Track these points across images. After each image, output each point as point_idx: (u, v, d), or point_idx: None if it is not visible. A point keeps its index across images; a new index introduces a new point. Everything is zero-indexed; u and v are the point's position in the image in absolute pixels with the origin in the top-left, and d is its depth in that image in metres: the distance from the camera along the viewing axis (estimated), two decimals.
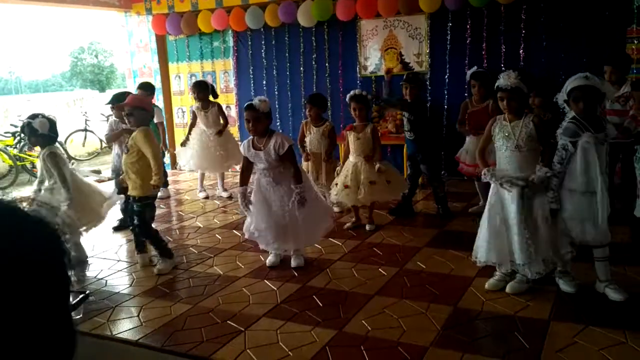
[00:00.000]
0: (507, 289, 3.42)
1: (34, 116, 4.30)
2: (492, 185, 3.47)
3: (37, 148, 4.60)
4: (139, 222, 4.21)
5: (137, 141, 4.09)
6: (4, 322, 0.56)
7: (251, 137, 4.04)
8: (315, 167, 5.28)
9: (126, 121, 4.29)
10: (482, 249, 3.46)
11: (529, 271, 3.29)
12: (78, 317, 2.27)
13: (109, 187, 4.65)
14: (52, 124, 4.36)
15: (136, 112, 4.13)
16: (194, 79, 8.27)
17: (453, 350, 2.79)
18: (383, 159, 5.04)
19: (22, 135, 4.69)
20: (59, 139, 9.12)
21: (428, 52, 6.79)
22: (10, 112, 11.55)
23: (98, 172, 8.21)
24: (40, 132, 4.26)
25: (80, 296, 2.32)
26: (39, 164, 4.44)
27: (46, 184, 4.35)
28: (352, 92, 4.90)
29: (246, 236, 4.31)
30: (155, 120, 5.70)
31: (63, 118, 12.64)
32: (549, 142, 3.34)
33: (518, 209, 3.25)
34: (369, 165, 4.83)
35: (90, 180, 4.54)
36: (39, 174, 4.47)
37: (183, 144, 6.48)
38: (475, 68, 5.20)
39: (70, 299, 0.67)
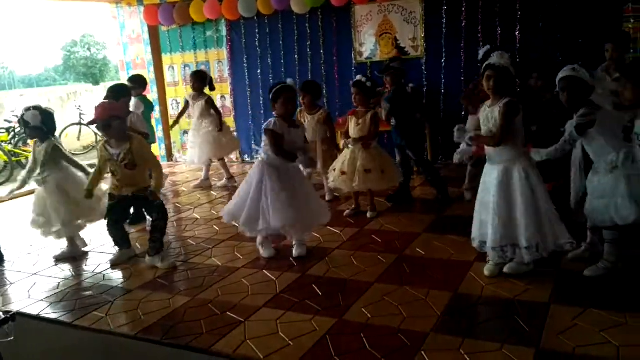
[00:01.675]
0: (506, 269, 3.41)
1: (27, 109, 4.29)
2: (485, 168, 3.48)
3: (32, 142, 4.58)
4: (163, 215, 4.17)
5: (138, 154, 4.01)
6: None
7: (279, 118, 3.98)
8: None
9: (105, 135, 4.09)
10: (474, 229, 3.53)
11: (527, 255, 3.28)
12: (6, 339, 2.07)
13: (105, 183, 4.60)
14: (45, 116, 4.33)
15: (114, 122, 3.96)
16: (188, 70, 8.23)
17: (453, 335, 2.78)
18: (378, 145, 4.99)
19: (18, 129, 4.69)
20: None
21: (423, 36, 6.73)
22: (4, 108, 11.44)
23: (93, 166, 8.16)
24: (32, 125, 4.24)
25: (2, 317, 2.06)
26: (34, 154, 4.41)
27: (36, 173, 4.34)
28: (356, 78, 4.91)
29: (265, 232, 4.06)
30: (137, 111, 5.62)
31: (57, 112, 12.57)
32: (503, 128, 3.26)
33: (497, 190, 3.30)
34: (366, 153, 4.80)
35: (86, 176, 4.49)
36: (30, 163, 4.45)
37: (172, 127, 6.89)
38: (488, 47, 5.07)
39: None
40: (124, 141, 4.01)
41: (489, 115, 3.35)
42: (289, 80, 4.05)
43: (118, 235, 4.30)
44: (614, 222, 3.16)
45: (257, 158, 4.19)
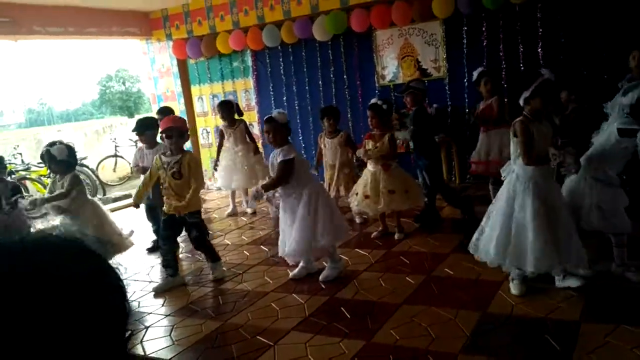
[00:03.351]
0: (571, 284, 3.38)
1: (52, 144, 4.48)
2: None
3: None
4: (199, 232, 4.40)
5: (186, 165, 4.21)
6: (66, 352, 0.59)
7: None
8: (332, 178, 5.33)
9: (166, 142, 4.29)
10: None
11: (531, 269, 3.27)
12: None
13: (126, 228, 4.75)
14: (70, 150, 4.54)
15: (183, 134, 4.27)
16: (216, 100, 8.46)
17: (483, 355, 2.77)
18: (397, 165, 5.04)
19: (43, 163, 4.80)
20: (91, 167, 9.43)
21: (445, 57, 6.78)
22: (43, 143, 11.91)
23: (129, 196, 8.41)
24: (59, 159, 4.43)
25: None
26: (52, 185, 4.57)
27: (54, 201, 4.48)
28: (371, 101, 5.00)
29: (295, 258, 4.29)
30: None
31: (94, 145, 13.01)
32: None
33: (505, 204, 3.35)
34: (388, 174, 4.84)
35: (111, 215, 4.69)
36: (48, 190, 4.61)
37: (215, 167, 6.64)
38: (480, 69, 5.23)
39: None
40: (178, 154, 4.26)
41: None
42: (274, 112, 4.13)
43: (169, 255, 4.45)
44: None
45: None
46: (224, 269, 4.58)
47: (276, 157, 4.00)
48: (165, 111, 6.34)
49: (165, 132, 4.21)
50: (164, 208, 4.35)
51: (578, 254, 3.26)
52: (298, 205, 4.02)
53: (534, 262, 3.19)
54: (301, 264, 4.30)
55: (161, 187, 4.34)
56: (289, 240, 4.07)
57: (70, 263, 0.64)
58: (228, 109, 6.50)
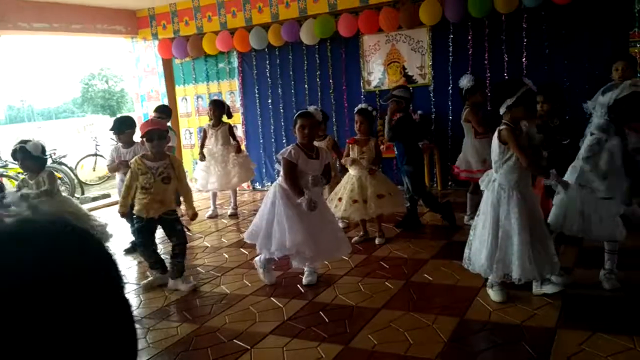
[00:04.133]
0: (547, 291, 3.39)
1: (25, 141, 4.42)
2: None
3: None
4: (183, 239, 4.33)
5: (176, 169, 4.17)
6: (71, 347, 0.52)
7: (296, 145, 4.00)
8: None
9: (147, 146, 4.19)
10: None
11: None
12: None
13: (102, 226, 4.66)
14: (43, 146, 4.49)
15: (155, 135, 4.17)
16: (200, 101, 8.41)
17: None
18: (382, 172, 5.07)
19: (15, 160, 4.64)
20: (70, 165, 9.31)
21: (431, 64, 6.82)
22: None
23: (107, 195, 8.30)
24: (35, 155, 4.36)
25: None
26: (22, 182, 4.50)
27: (25, 190, 4.40)
28: (358, 106, 4.98)
29: (277, 255, 4.06)
30: (170, 144, 5.71)
31: (73, 144, 12.84)
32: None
33: (491, 212, 3.34)
34: (375, 179, 4.84)
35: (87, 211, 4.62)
36: (17, 187, 4.53)
37: (201, 159, 6.56)
38: (469, 76, 5.23)
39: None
40: (163, 157, 4.19)
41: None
42: (310, 108, 4.13)
43: (153, 257, 4.38)
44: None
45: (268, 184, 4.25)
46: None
47: (320, 152, 4.05)
48: (164, 110, 6.26)
49: (146, 135, 4.12)
50: (140, 213, 4.17)
51: (552, 260, 3.28)
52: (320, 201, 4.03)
53: (520, 270, 3.20)
54: (308, 268, 4.16)
55: (141, 190, 4.17)
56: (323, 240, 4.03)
57: (71, 253, 0.56)
58: (220, 108, 6.47)
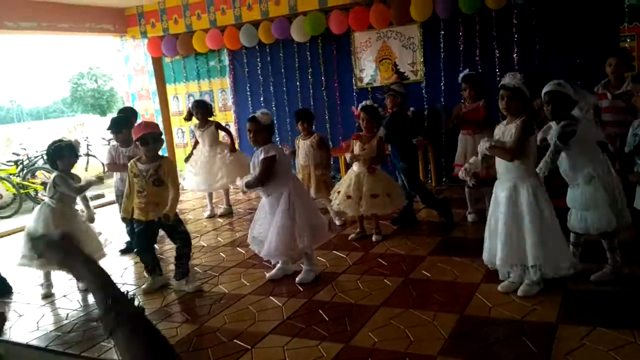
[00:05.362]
0: (519, 293, 3.41)
1: (58, 141, 4.40)
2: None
3: (39, 174, 4.65)
4: (187, 242, 4.30)
5: (166, 172, 4.11)
6: None
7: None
8: (303, 179, 5.29)
9: (142, 150, 4.11)
10: (484, 252, 3.58)
11: (534, 274, 3.32)
12: None
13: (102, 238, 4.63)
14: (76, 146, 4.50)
15: (158, 139, 4.15)
16: (191, 99, 8.35)
17: (461, 358, 2.78)
18: (383, 170, 5.04)
19: (45, 160, 4.67)
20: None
21: (422, 60, 6.83)
22: (12, 141, 11.61)
23: (101, 196, 8.23)
24: (78, 154, 4.46)
25: None
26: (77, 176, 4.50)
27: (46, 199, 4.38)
28: (363, 103, 4.96)
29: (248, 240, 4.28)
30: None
31: None
32: (519, 142, 3.33)
33: (506, 210, 3.38)
34: (372, 178, 4.82)
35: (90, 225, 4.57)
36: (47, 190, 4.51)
37: (186, 160, 6.53)
38: (467, 71, 5.23)
39: None
40: (155, 160, 4.13)
41: (504, 132, 3.41)
42: (258, 112, 4.03)
43: (151, 261, 4.34)
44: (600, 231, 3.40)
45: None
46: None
47: (258, 156, 3.96)
48: (127, 111, 6.08)
49: (141, 139, 4.05)
50: (140, 216, 4.15)
51: (567, 254, 3.43)
52: (277, 205, 3.98)
53: (533, 258, 3.29)
54: (278, 264, 4.26)
55: (137, 194, 4.13)
56: (267, 240, 4.02)
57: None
58: (205, 108, 6.39)
